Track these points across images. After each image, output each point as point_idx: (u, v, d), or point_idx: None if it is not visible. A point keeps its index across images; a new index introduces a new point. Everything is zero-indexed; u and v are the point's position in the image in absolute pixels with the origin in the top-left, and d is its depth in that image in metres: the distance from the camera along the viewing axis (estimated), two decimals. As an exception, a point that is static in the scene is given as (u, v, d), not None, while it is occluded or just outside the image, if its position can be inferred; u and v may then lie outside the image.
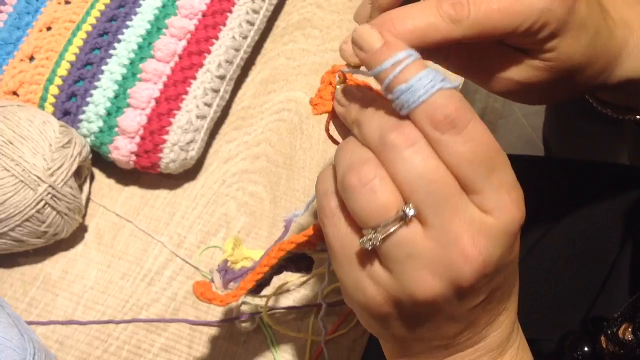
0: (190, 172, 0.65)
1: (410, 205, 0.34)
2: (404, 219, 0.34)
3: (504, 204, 0.34)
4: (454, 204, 0.34)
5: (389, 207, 0.34)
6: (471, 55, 0.42)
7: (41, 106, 0.62)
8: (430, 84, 0.34)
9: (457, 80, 0.36)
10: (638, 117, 0.50)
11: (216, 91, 0.64)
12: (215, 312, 0.59)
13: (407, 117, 0.34)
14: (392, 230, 0.34)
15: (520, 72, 0.42)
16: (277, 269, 0.47)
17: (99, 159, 0.64)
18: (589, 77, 0.43)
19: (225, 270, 0.49)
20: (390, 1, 0.40)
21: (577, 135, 1.46)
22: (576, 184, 0.82)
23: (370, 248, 0.35)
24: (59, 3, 0.65)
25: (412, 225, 0.34)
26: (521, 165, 0.93)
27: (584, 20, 0.40)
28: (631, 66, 0.44)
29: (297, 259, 0.46)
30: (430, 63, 0.37)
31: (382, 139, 0.34)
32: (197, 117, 0.62)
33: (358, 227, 0.36)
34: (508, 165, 0.34)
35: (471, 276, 0.34)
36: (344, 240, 0.37)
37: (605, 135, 1.40)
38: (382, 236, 0.35)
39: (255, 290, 0.49)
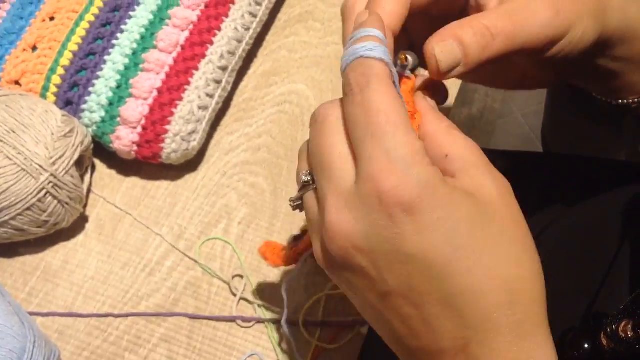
0: (192, 163, 0.65)
1: (307, 171, 0.39)
2: (305, 185, 0.39)
3: (369, 173, 0.34)
4: (330, 174, 0.36)
5: (301, 174, 0.39)
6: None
7: (43, 96, 0.62)
8: (358, 52, 0.36)
9: (386, 55, 0.37)
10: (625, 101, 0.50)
11: (218, 82, 0.64)
12: (216, 303, 0.59)
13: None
14: (300, 194, 0.39)
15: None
16: None
17: (101, 150, 0.63)
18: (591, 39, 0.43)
19: (300, 237, 0.50)
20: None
21: (576, 135, 1.46)
22: (574, 180, 0.82)
23: (295, 209, 0.41)
24: (62, -7, 0.65)
25: (311, 191, 0.38)
26: (519, 161, 0.94)
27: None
28: (618, 12, 0.44)
29: None
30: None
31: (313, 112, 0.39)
32: (199, 107, 0.62)
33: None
34: (397, 135, 0.34)
35: (334, 246, 0.35)
36: None
37: (604, 134, 1.40)
38: (294, 199, 0.40)
39: None
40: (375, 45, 0.37)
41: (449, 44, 0.39)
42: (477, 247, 0.34)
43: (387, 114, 0.35)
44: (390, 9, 0.41)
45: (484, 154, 0.37)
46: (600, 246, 0.65)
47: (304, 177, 0.39)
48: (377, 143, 0.34)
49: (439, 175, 0.35)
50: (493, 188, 0.36)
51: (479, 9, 0.44)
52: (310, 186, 0.39)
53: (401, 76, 0.40)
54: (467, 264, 0.34)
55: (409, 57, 0.40)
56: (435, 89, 0.43)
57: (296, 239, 0.55)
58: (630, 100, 0.50)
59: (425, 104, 0.39)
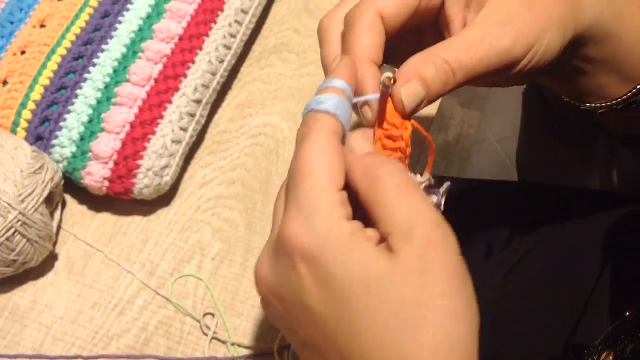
0: (165, 198, 0.64)
1: None
2: None
3: (282, 220, 0.36)
4: (274, 222, 0.38)
5: None
6: None
7: (13, 131, 0.60)
8: (310, 105, 0.38)
9: (335, 107, 0.38)
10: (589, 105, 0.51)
11: (192, 115, 0.63)
12: (189, 343, 0.58)
13: None
14: None
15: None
16: None
17: (71, 185, 0.62)
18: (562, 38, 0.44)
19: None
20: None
21: (550, 161, 1.47)
22: (551, 209, 0.82)
23: None
24: (34, 26, 0.64)
25: None
26: (496, 190, 0.93)
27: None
28: (593, 11, 0.45)
29: None
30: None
31: None
32: (173, 141, 0.61)
33: None
34: (312, 185, 0.35)
35: (258, 289, 0.38)
36: None
37: (577, 161, 1.42)
38: None
39: None
40: (327, 98, 0.37)
41: (413, 86, 0.40)
42: (370, 314, 0.33)
43: (310, 164, 0.35)
44: (367, 42, 0.41)
45: (430, 217, 0.35)
46: (579, 276, 0.65)
47: None
48: (295, 192, 0.36)
49: (347, 229, 0.34)
50: (414, 254, 0.34)
51: (446, 25, 0.44)
52: None
53: (387, 95, 0.40)
54: (358, 328, 0.33)
55: (392, 76, 0.40)
56: None
57: None
58: (597, 104, 0.51)
59: (380, 160, 0.38)
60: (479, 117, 1.88)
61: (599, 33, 0.46)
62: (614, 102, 0.50)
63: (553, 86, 0.54)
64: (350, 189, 0.38)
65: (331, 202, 0.35)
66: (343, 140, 0.39)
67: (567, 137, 1.36)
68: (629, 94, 0.50)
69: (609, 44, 0.47)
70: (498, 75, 0.43)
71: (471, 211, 0.82)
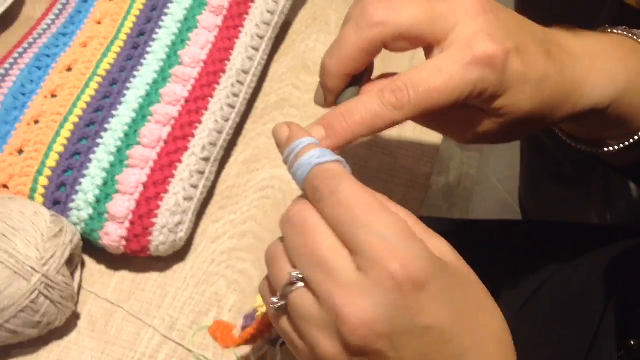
0: (180, 254, 0.66)
1: (297, 270, 0.39)
2: (293, 283, 0.39)
3: (373, 259, 0.36)
4: (327, 268, 0.37)
5: (284, 274, 0.39)
6: (435, 115, 0.43)
7: (31, 197, 0.63)
8: (312, 161, 0.40)
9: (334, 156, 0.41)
10: (604, 149, 0.51)
11: (201, 173, 0.66)
12: (212, 392, 0.59)
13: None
14: (287, 292, 0.39)
15: (481, 125, 0.45)
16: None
17: (89, 246, 0.64)
18: (551, 114, 0.45)
19: (251, 317, 0.55)
20: (335, 85, 0.45)
21: (549, 198, 1.51)
22: (555, 247, 0.83)
23: (277, 311, 0.41)
24: (46, 97, 0.67)
25: (301, 289, 0.39)
26: (499, 230, 0.94)
27: (522, 74, 0.42)
28: (596, 95, 0.45)
29: None
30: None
31: (284, 216, 0.41)
32: (185, 199, 0.64)
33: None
34: (383, 219, 0.37)
35: (355, 337, 0.36)
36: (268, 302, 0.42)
37: (574, 197, 1.45)
38: (279, 300, 0.40)
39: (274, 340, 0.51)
40: (321, 152, 0.40)
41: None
42: (468, 308, 0.38)
43: (365, 205, 0.38)
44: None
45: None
46: (586, 312, 0.66)
47: (294, 274, 0.39)
48: (369, 232, 0.37)
49: (428, 247, 0.38)
50: (453, 255, 0.40)
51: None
52: (296, 285, 0.39)
53: None
54: (467, 325, 0.38)
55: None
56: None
57: (247, 318, 0.57)
58: (594, 151, 0.52)
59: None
60: (478, 158, 1.91)
61: (613, 106, 0.46)
62: (611, 149, 0.51)
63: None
64: None
65: (406, 227, 0.38)
66: None
67: (563, 176, 1.40)
68: (631, 141, 0.50)
69: (617, 108, 0.47)
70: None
71: (476, 253, 0.83)
